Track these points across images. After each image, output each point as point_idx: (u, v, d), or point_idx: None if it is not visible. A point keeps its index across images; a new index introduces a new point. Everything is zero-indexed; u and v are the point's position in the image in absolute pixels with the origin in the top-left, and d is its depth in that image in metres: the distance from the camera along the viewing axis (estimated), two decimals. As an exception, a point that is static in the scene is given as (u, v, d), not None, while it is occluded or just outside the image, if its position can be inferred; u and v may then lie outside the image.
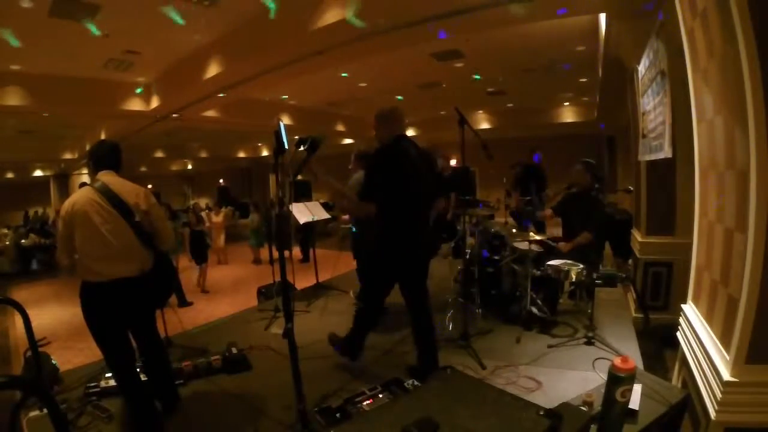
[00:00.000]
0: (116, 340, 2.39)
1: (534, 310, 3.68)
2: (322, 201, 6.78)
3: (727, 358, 1.61)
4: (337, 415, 2.43)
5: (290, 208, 4.30)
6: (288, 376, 2.32)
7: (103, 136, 9.25)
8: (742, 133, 1.50)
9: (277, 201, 2.52)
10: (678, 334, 2.26)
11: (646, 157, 4.01)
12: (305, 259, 9.40)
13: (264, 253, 9.97)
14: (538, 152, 7.04)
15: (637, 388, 1.76)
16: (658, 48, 3.22)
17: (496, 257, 4.22)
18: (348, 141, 14.57)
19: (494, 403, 1.64)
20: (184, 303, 6.89)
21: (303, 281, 5.62)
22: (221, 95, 6.79)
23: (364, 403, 2.50)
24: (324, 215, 5.09)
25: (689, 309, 2.17)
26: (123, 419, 2.57)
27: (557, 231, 4.49)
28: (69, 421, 2.49)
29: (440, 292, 4.73)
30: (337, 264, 5.66)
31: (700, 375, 1.83)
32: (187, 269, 9.31)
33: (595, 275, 3.43)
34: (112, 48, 5.58)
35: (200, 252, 8.06)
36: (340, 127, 11.81)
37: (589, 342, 3.27)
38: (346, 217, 4.92)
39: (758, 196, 1.43)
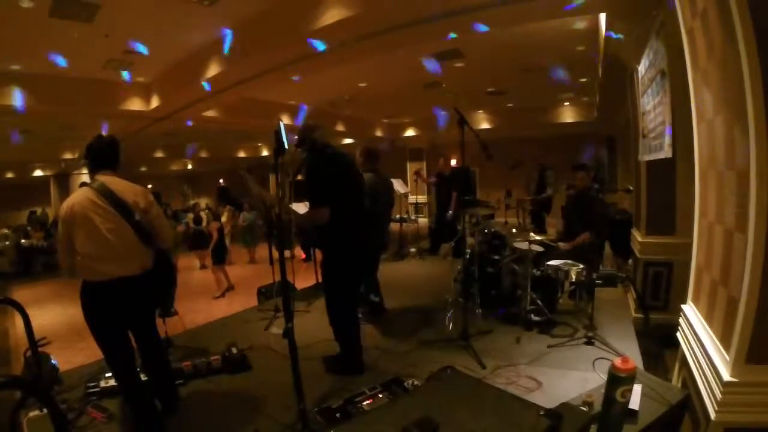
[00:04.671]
0: (116, 340, 2.39)
1: (533, 317, 3.68)
2: None
3: (727, 358, 1.61)
4: (337, 415, 2.43)
5: (291, 207, 4.31)
6: (288, 376, 2.32)
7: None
8: (742, 133, 1.50)
9: (276, 200, 2.52)
10: (678, 334, 2.26)
11: (646, 157, 4.01)
12: (309, 257, 9.38)
13: (263, 252, 9.96)
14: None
15: (637, 388, 1.76)
16: (658, 48, 3.22)
17: (496, 257, 4.22)
18: (348, 141, 14.57)
19: (494, 403, 1.64)
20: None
21: (303, 281, 5.62)
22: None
23: (364, 403, 2.51)
24: None
25: (689, 309, 2.17)
26: (123, 419, 2.58)
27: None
28: (69, 421, 2.49)
29: (440, 292, 4.74)
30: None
31: (700, 375, 1.83)
32: (186, 269, 9.32)
33: (595, 275, 3.43)
34: (112, 48, 5.58)
35: (221, 251, 8.00)
36: (340, 127, 11.80)
37: (589, 342, 3.27)
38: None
39: (758, 196, 1.43)
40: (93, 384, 2.88)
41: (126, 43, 5.35)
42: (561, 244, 4.09)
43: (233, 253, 10.72)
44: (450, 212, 6.90)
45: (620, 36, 3.86)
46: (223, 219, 9.96)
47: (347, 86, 8.33)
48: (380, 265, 4.33)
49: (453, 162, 9.91)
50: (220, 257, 7.99)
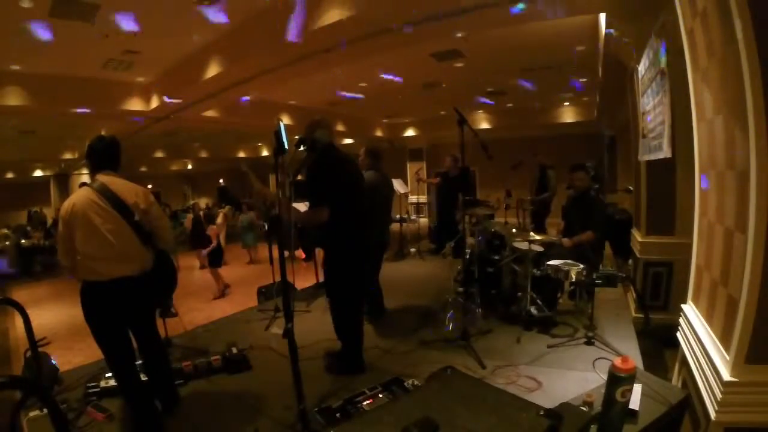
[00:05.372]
0: (116, 340, 2.39)
1: (533, 310, 3.68)
2: None
3: (727, 358, 1.61)
4: (337, 415, 2.43)
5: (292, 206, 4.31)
6: (288, 376, 2.32)
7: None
8: (742, 133, 1.50)
9: (276, 200, 2.53)
10: (678, 334, 2.26)
11: (645, 157, 4.01)
12: (309, 257, 9.37)
13: (263, 252, 9.96)
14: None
15: (637, 388, 1.76)
16: (658, 48, 3.22)
17: (496, 257, 4.22)
18: (348, 141, 14.57)
19: (494, 403, 1.64)
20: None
21: (303, 281, 5.63)
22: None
23: (364, 403, 2.51)
24: None
25: (689, 309, 2.17)
26: (123, 419, 2.58)
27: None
28: (69, 421, 2.49)
29: (440, 292, 4.74)
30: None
31: (700, 375, 1.83)
32: (186, 269, 9.32)
33: (595, 275, 3.43)
34: (112, 48, 5.58)
35: (217, 255, 8.03)
36: (340, 127, 11.79)
37: (589, 342, 3.27)
38: None
39: (758, 196, 1.43)
40: (93, 384, 2.89)
41: (126, 41, 5.34)
42: (564, 240, 4.09)
43: (229, 253, 10.73)
44: (458, 214, 6.88)
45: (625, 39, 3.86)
46: (219, 220, 9.95)
47: (347, 86, 8.32)
48: (381, 265, 4.32)
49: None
50: (215, 261, 8.02)
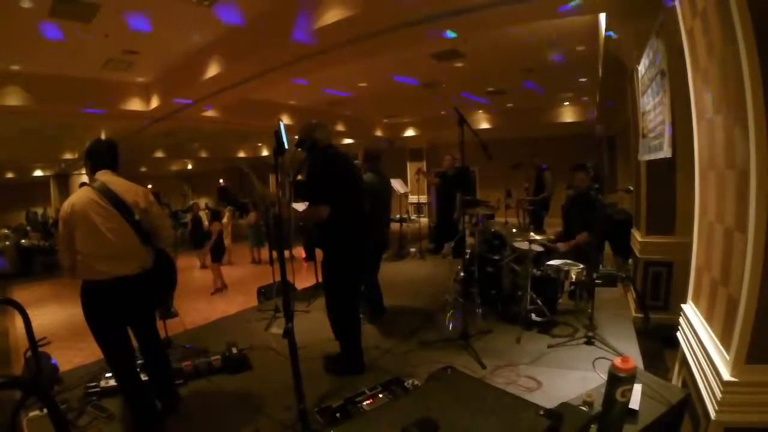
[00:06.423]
0: (116, 340, 2.39)
1: (534, 317, 3.68)
2: None
3: (727, 358, 1.61)
4: (337, 415, 2.43)
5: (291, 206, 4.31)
6: (288, 376, 2.32)
7: (103, 136, 9.23)
8: (742, 132, 1.50)
9: (276, 200, 2.53)
10: (678, 334, 2.26)
11: (645, 156, 4.00)
12: (310, 257, 9.36)
13: (264, 252, 9.96)
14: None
15: (637, 388, 1.76)
16: (658, 48, 3.22)
17: (496, 257, 4.22)
18: (348, 141, 14.57)
19: (494, 403, 1.63)
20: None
21: (303, 281, 5.62)
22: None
23: (364, 403, 2.51)
24: None
25: (689, 309, 2.17)
26: (123, 419, 2.58)
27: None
28: (69, 421, 2.49)
29: (440, 292, 4.74)
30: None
31: (700, 375, 1.83)
32: (186, 269, 9.33)
33: (595, 275, 3.43)
34: (112, 48, 5.58)
35: (218, 250, 8.10)
36: (340, 127, 11.79)
37: (589, 342, 3.27)
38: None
39: (758, 196, 1.43)
40: (93, 384, 2.89)
41: (126, 42, 5.35)
42: (560, 245, 4.09)
43: (234, 253, 10.73)
44: (456, 214, 6.89)
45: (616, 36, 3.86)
46: (224, 220, 9.95)
47: (347, 86, 8.33)
48: (380, 265, 4.32)
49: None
50: (217, 256, 8.07)
